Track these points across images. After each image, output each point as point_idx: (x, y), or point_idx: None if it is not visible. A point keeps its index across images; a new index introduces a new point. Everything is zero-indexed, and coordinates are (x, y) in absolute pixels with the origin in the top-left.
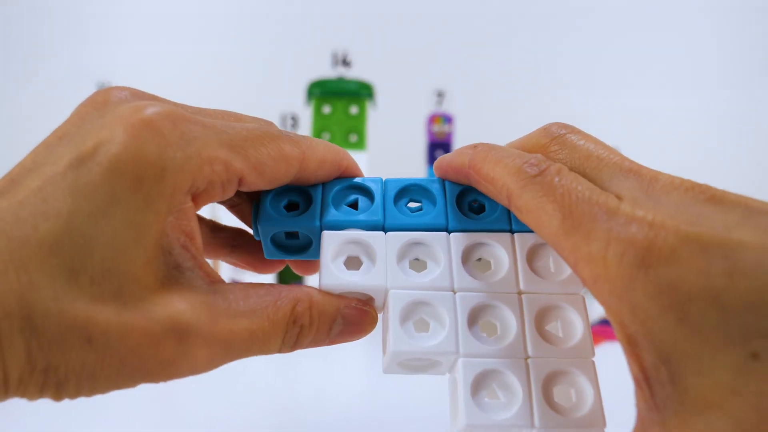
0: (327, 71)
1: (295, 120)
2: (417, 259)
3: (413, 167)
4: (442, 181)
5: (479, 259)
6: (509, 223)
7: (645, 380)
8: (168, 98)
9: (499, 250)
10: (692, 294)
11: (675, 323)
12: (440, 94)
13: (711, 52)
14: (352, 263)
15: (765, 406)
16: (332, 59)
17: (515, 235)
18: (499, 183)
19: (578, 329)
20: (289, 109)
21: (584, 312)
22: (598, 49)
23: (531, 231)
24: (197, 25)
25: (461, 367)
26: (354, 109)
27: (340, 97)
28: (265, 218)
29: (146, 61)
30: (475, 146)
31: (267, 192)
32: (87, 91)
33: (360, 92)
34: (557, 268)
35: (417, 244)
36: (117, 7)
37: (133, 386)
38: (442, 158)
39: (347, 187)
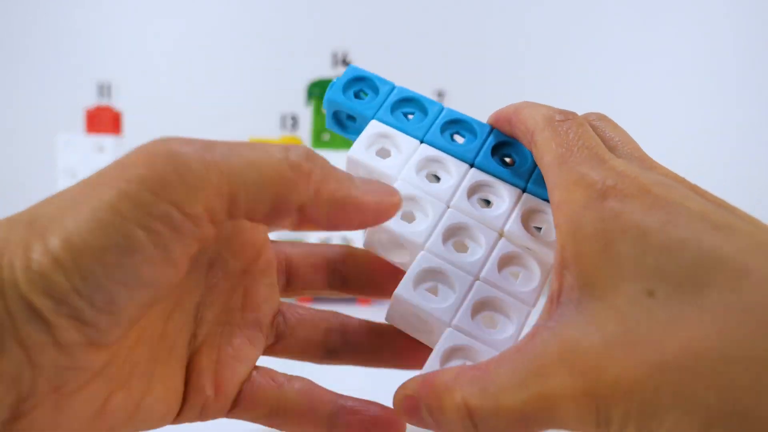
0: (327, 71)
1: (295, 120)
2: (434, 175)
3: None
4: (491, 128)
5: (488, 202)
6: (525, 182)
7: (557, 297)
8: (168, 98)
9: (503, 196)
10: (627, 226)
11: (602, 248)
12: (440, 94)
13: (710, 49)
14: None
15: (634, 331)
16: (332, 59)
17: (525, 194)
18: (530, 123)
19: (533, 283)
20: (289, 109)
21: (546, 275)
22: (599, 48)
23: (542, 197)
24: (198, 26)
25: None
26: None
27: None
28: (333, 92)
29: (147, 61)
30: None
31: (345, 76)
32: (87, 91)
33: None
34: (546, 234)
35: (437, 161)
36: (117, 7)
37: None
38: (497, 110)
39: (409, 99)
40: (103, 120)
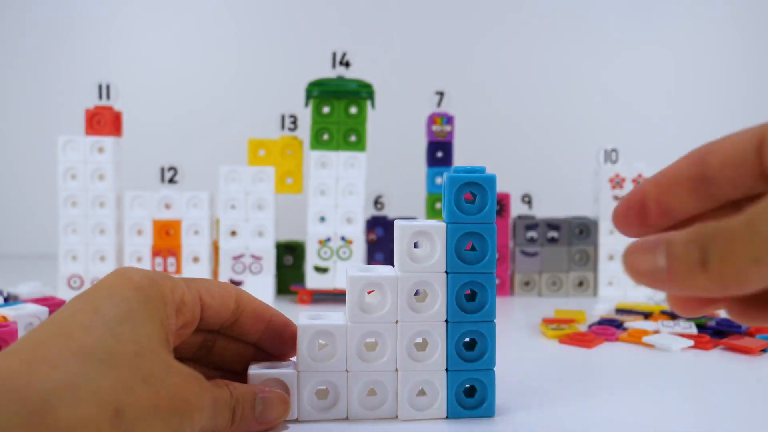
0: (327, 71)
1: (295, 120)
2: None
3: (413, 167)
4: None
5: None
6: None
7: None
8: (168, 98)
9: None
10: None
11: None
12: (440, 94)
13: (710, 47)
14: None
15: None
16: (332, 59)
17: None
18: None
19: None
20: (289, 109)
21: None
22: (597, 48)
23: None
24: (197, 26)
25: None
26: (354, 109)
27: (340, 97)
28: (454, 179)
29: (147, 61)
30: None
31: (480, 176)
32: (87, 91)
33: (360, 92)
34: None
35: (433, 290)
36: (118, 8)
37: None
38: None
39: (485, 240)
40: (103, 120)
